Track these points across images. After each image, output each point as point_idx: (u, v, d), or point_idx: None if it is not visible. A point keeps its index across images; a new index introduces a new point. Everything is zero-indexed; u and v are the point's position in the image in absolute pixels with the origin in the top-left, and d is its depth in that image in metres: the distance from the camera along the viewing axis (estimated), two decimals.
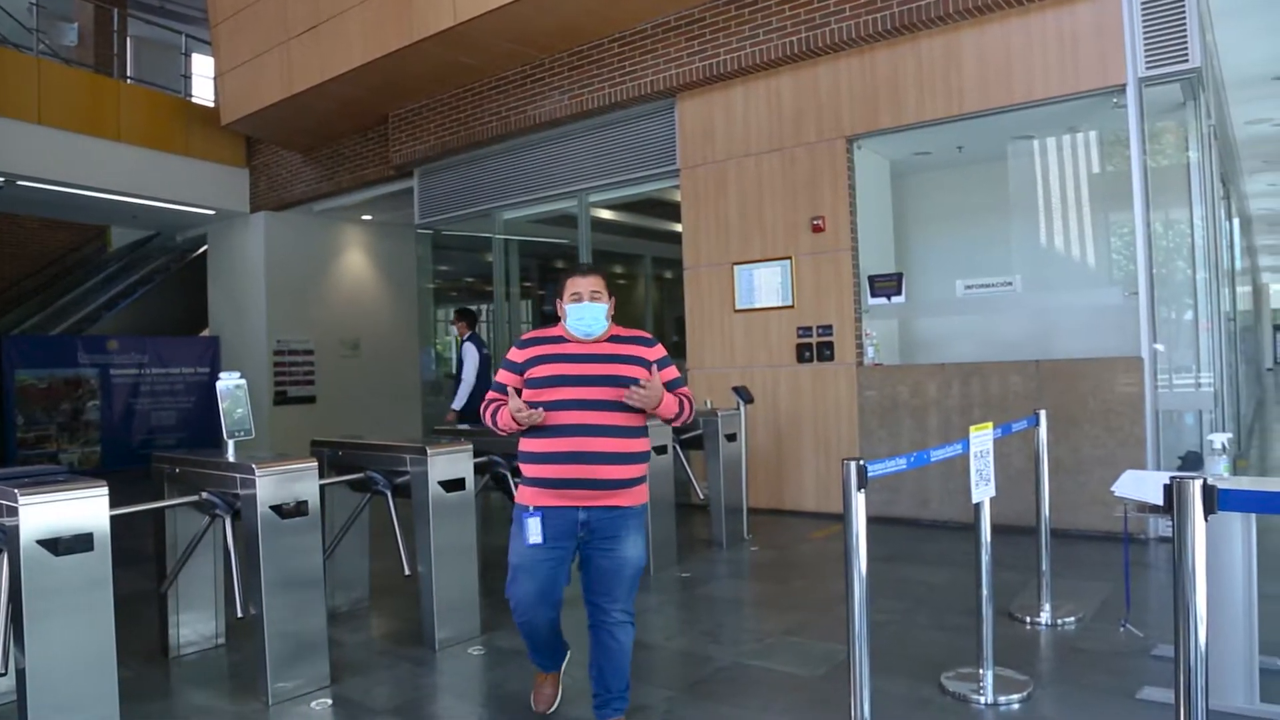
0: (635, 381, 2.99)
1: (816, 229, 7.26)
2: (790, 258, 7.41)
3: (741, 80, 7.64)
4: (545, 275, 11.74)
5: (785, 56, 7.19)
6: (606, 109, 8.43)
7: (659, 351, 3.16)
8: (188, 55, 13.66)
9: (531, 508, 3.02)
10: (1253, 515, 3.18)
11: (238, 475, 3.64)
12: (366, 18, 8.67)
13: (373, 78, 9.15)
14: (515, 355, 3.17)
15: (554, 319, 3.24)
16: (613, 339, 3.14)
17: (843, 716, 2.72)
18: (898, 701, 3.37)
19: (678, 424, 3.20)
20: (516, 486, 3.18)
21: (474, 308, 8.63)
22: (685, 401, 3.15)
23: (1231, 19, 6.92)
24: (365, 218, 13.19)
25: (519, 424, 3.02)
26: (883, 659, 3.65)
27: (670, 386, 3.10)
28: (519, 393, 3.08)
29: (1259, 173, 12.96)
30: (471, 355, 7.90)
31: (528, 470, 3.07)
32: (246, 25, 10.22)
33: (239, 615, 3.57)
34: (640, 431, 3.10)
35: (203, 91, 13.34)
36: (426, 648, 4.24)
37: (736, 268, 7.75)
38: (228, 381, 3.86)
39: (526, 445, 3.09)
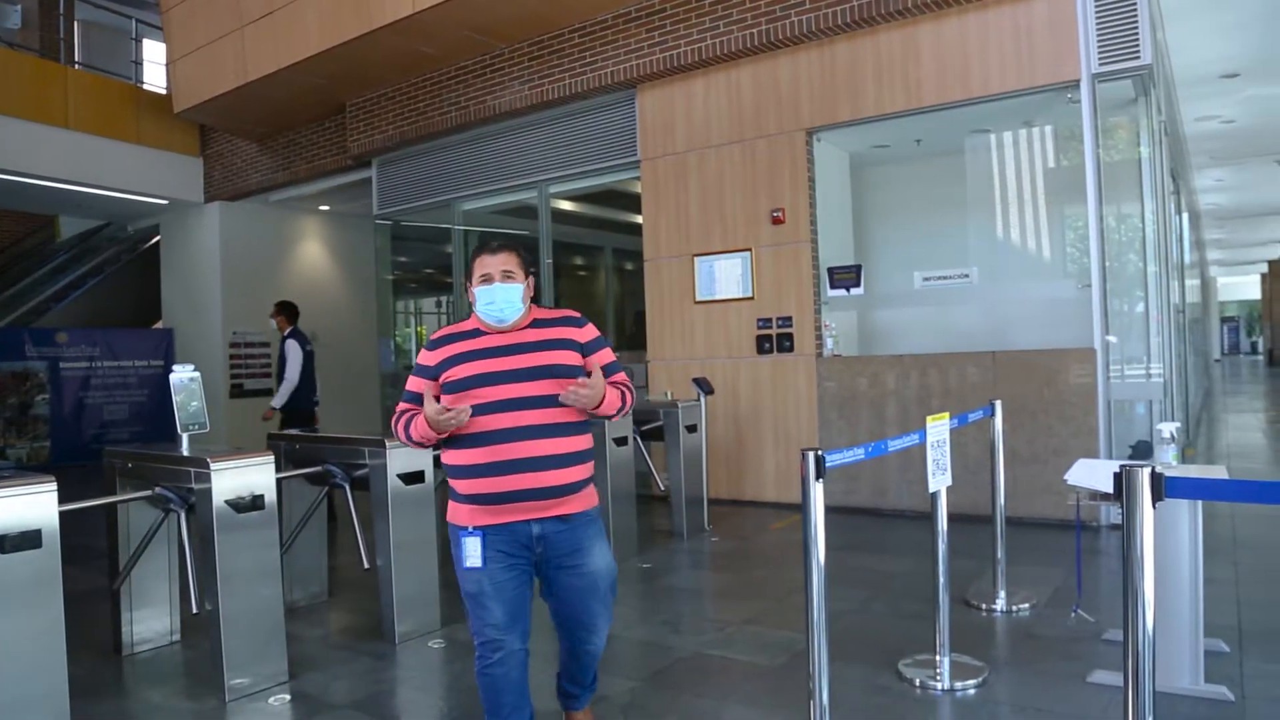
0: (571, 369, 2.65)
1: (776, 221, 7.30)
2: (750, 249, 7.45)
3: (702, 72, 7.65)
4: None
5: (745, 49, 7.20)
6: (567, 99, 8.39)
7: (591, 332, 2.80)
8: (138, 41, 13.35)
9: (471, 527, 2.62)
10: (1199, 502, 3.26)
11: (192, 469, 3.58)
12: (323, 4, 8.53)
13: (330, 66, 9.01)
14: (426, 358, 2.72)
15: None
16: (536, 324, 2.74)
17: (802, 704, 2.75)
18: (856, 688, 3.42)
19: (617, 418, 2.86)
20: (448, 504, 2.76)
21: (294, 302, 7.90)
22: (626, 393, 2.79)
23: (1181, 19, 7.07)
24: (322, 208, 12.99)
25: (440, 431, 2.58)
26: (841, 647, 3.70)
27: (606, 372, 2.73)
28: (437, 400, 2.63)
29: (1207, 168, 13.25)
30: (295, 352, 7.45)
31: (461, 487, 2.64)
32: (199, 10, 10.00)
33: (194, 611, 3.53)
34: (583, 427, 2.72)
35: (154, 78, 13.04)
36: (386, 641, 4.21)
37: (697, 259, 7.77)
38: (182, 374, 3.81)
39: (454, 458, 2.65)
